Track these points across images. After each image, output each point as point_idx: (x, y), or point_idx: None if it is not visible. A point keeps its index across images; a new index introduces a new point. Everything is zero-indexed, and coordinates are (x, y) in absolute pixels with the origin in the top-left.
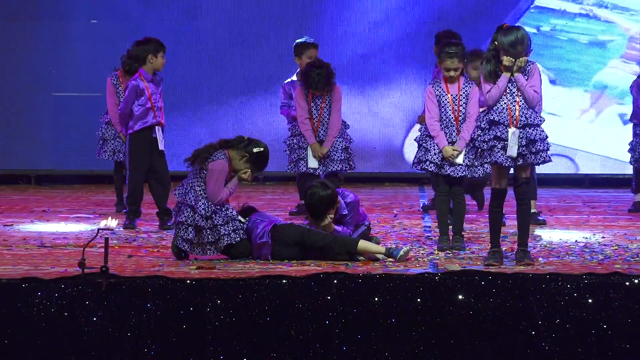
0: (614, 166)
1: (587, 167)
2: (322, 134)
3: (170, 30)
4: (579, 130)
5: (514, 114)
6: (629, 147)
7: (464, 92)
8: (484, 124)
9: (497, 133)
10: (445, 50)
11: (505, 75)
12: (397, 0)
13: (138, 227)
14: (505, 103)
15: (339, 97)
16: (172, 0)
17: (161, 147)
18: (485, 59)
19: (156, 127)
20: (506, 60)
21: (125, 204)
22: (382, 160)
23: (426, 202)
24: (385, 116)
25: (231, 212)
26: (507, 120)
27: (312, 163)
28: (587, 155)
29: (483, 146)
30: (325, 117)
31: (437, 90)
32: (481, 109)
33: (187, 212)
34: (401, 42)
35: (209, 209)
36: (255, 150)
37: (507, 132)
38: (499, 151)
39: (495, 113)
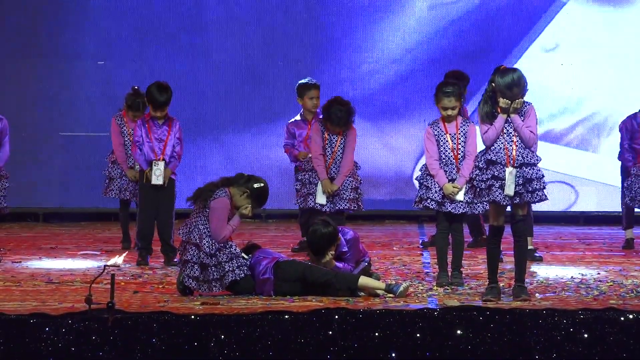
0: (610, 204)
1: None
2: (333, 172)
3: (177, 72)
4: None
5: (511, 153)
6: (623, 186)
7: (462, 131)
8: (481, 164)
9: (494, 172)
10: (442, 89)
11: (501, 117)
12: (410, 39)
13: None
14: (502, 143)
15: (354, 137)
16: (179, 43)
17: (153, 182)
18: (482, 100)
19: (154, 162)
20: (502, 102)
21: (137, 241)
22: (392, 188)
23: (425, 239)
24: (397, 147)
25: (235, 250)
26: (504, 160)
27: (321, 199)
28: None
29: (481, 185)
30: (339, 155)
31: (436, 130)
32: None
33: (192, 250)
34: (412, 77)
35: (214, 247)
36: (255, 186)
37: (504, 171)
38: (496, 190)
39: (493, 153)
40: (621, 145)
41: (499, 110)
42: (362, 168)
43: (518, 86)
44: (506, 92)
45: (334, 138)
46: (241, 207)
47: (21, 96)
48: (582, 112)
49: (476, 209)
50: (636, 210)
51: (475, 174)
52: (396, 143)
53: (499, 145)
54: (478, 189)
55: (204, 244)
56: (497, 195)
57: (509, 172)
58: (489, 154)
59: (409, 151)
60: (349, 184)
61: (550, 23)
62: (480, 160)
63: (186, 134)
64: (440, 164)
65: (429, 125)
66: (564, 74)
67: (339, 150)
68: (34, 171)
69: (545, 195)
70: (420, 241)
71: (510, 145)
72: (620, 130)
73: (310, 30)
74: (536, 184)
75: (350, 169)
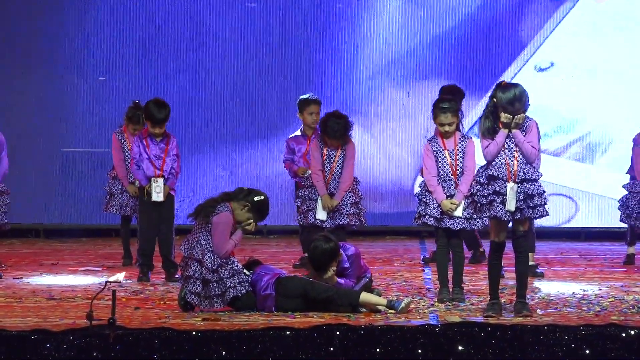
0: (611, 219)
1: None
2: (333, 187)
3: (177, 88)
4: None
5: (512, 169)
6: (619, 203)
7: (460, 147)
8: (482, 179)
9: (495, 188)
10: (439, 105)
11: (503, 132)
12: (410, 53)
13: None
14: (503, 158)
15: (353, 153)
16: (180, 59)
17: (153, 198)
18: (483, 116)
19: (153, 179)
20: (504, 117)
21: (138, 258)
22: (393, 200)
23: (426, 255)
24: (396, 158)
25: (237, 266)
26: (505, 175)
27: (321, 215)
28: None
29: (482, 200)
30: (338, 170)
31: (434, 146)
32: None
33: (194, 266)
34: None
35: (216, 262)
36: (256, 199)
37: (505, 186)
38: (498, 205)
39: (494, 168)
40: (635, 158)
41: (500, 125)
42: (362, 181)
43: (520, 101)
44: (508, 107)
45: (332, 153)
46: (244, 223)
47: (22, 112)
48: (580, 128)
49: (475, 225)
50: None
51: (477, 189)
52: (396, 156)
53: (500, 161)
54: (479, 204)
55: (206, 260)
56: (499, 211)
57: (510, 188)
58: (491, 169)
59: (409, 164)
60: (348, 199)
61: (547, 39)
62: (482, 176)
63: (186, 150)
64: (438, 180)
65: (427, 141)
66: (562, 90)
67: (338, 166)
68: (35, 187)
69: (547, 211)
70: (422, 257)
71: (512, 161)
72: (635, 142)
73: (311, 45)
74: (537, 200)
75: (349, 184)
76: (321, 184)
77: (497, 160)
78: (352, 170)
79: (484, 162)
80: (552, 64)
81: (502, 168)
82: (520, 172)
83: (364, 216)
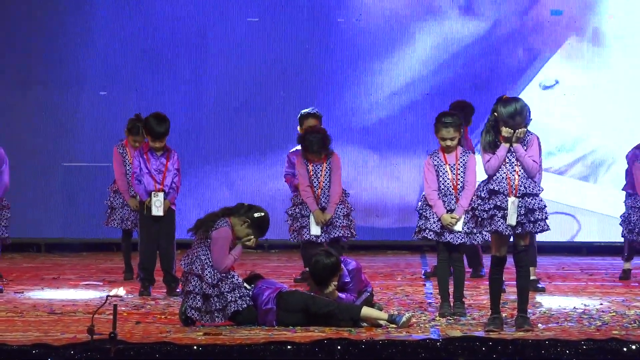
0: (611, 234)
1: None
2: (323, 202)
3: (178, 101)
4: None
5: (513, 183)
6: (620, 219)
7: (461, 162)
8: (484, 193)
9: (497, 202)
10: (441, 120)
11: (504, 146)
12: (413, 71)
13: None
14: (504, 172)
15: (338, 165)
16: (179, 72)
17: (154, 213)
18: (484, 130)
19: (153, 193)
20: (505, 131)
21: (139, 272)
22: (396, 217)
23: (428, 269)
24: (400, 175)
25: (237, 280)
26: (506, 190)
27: (315, 230)
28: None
29: (483, 215)
30: (326, 185)
31: (435, 160)
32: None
33: (194, 281)
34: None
35: (216, 277)
36: (256, 215)
37: (506, 201)
38: (498, 220)
39: (495, 182)
40: (630, 174)
41: (501, 139)
42: (366, 197)
43: (520, 115)
44: (509, 121)
45: (318, 168)
46: (244, 239)
47: (23, 126)
48: (583, 145)
49: (475, 240)
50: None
51: (477, 204)
52: (400, 173)
53: (501, 175)
54: (480, 219)
55: (206, 275)
56: (500, 225)
57: (511, 202)
58: (492, 184)
59: (412, 181)
60: (340, 211)
61: (552, 57)
62: (483, 190)
63: (188, 164)
64: (439, 194)
65: (429, 156)
66: (565, 107)
67: (325, 179)
68: (36, 201)
69: (547, 226)
70: (423, 271)
71: (513, 175)
72: (628, 158)
73: (313, 61)
74: (538, 214)
75: (339, 196)
76: (311, 200)
77: (498, 174)
78: (340, 182)
79: (485, 177)
80: (557, 82)
81: (503, 182)
82: (521, 186)
83: (354, 228)
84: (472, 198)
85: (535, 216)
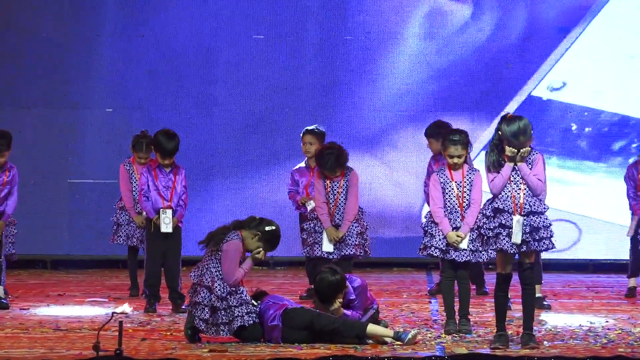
0: (619, 251)
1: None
2: (338, 219)
3: (185, 118)
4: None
5: (518, 201)
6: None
7: (468, 179)
8: (489, 212)
9: (502, 221)
10: (449, 137)
11: (508, 165)
12: (416, 78)
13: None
14: (509, 191)
15: (355, 182)
16: (185, 90)
17: (162, 229)
18: (489, 149)
19: (162, 210)
20: (509, 151)
21: (145, 289)
22: (401, 225)
23: (433, 287)
24: (404, 184)
25: (245, 296)
26: (511, 208)
27: (327, 247)
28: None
29: (488, 233)
30: (342, 201)
31: (442, 177)
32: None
33: (203, 292)
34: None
35: (225, 290)
36: (267, 228)
37: (511, 219)
38: (504, 238)
39: (500, 201)
40: (628, 194)
41: (505, 158)
42: (375, 210)
43: (524, 134)
44: (513, 141)
45: (335, 184)
46: (254, 252)
47: (29, 143)
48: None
49: (480, 257)
50: None
51: (483, 222)
52: (405, 182)
53: (506, 194)
54: (485, 237)
55: (216, 287)
56: (505, 244)
57: (517, 221)
58: (497, 202)
59: (417, 191)
60: (354, 229)
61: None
62: (488, 208)
63: (195, 180)
64: (445, 211)
65: (435, 173)
66: (573, 111)
67: (342, 197)
68: (42, 218)
69: (553, 244)
70: (428, 289)
71: (518, 194)
72: (625, 180)
73: (319, 76)
74: (543, 233)
75: (354, 215)
76: (325, 217)
77: (503, 193)
78: (357, 200)
79: (491, 195)
80: (565, 84)
81: (508, 201)
82: (526, 204)
83: (368, 246)
84: (478, 216)
85: (540, 234)
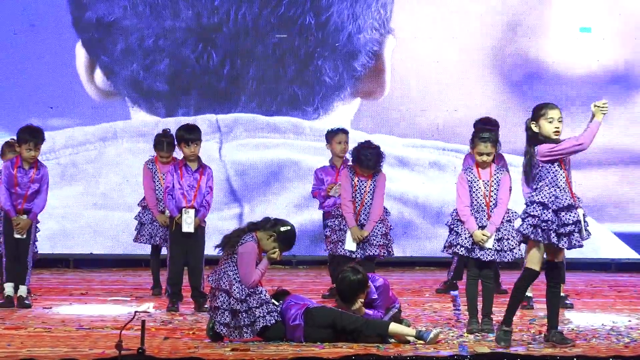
0: None
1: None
2: (363, 218)
3: (208, 118)
4: None
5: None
6: None
7: (495, 179)
8: (552, 207)
9: (573, 217)
10: (479, 135)
11: (597, 121)
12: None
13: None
14: (565, 184)
15: (383, 183)
16: (211, 89)
17: (184, 229)
18: (527, 127)
19: (184, 209)
20: (600, 103)
21: (167, 288)
22: (423, 230)
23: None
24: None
25: (265, 296)
26: (574, 203)
27: (350, 246)
28: None
29: (561, 230)
30: (368, 201)
31: (469, 176)
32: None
33: (222, 297)
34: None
35: (244, 292)
36: (282, 229)
37: (577, 214)
38: (576, 234)
39: (566, 196)
40: None
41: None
42: (395, 211)
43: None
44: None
45: (363, 184)
46: (269, 252)
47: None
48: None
49: (505, 257)
50: None
51: (540, 212)
52: (429, 185)
53: (563, 187)
54: (541, 230)
55: (234, 290)
56: (576, 240)
57: (582, 215)
58: (564, 198)
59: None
60: (378, 230)
61: None
62: (550, 201)
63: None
64: (471, 210)
65: (463, 171)
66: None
67: (368, 196)
68: (65, 217)
69: (588, 234)
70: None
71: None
72: None
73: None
74: (580, 225)
75: (380, 215)
76: (350, 216)
77: (566, 190)
78: (382, 201)
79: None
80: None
81: (568, 196)
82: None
83: (391, 247)
84: (535, 208)
85: (579, 226)
